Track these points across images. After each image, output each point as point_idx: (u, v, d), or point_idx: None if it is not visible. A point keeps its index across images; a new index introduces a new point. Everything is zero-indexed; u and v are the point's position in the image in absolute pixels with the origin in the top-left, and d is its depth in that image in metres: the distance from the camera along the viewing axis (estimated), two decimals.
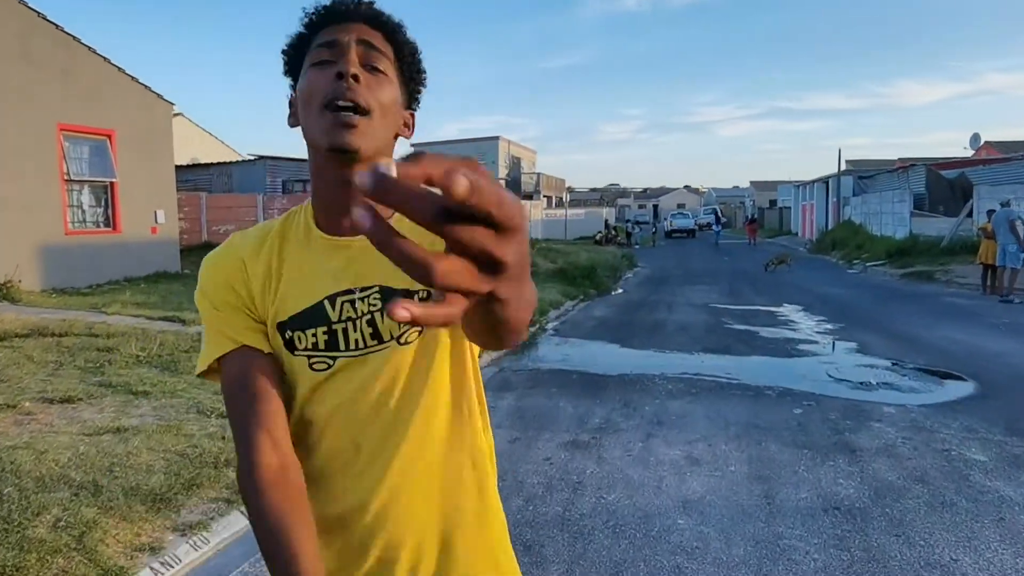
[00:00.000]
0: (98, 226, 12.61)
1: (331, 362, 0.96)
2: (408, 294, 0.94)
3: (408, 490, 0.96)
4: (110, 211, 12.75)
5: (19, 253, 10.88)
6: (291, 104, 1.00)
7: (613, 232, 31.73)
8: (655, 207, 75.50)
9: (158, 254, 13.64)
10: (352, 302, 0.96)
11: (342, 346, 0.96)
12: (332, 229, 0.98)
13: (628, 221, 34.39)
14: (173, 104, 14.08)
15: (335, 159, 0.92)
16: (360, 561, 0.98)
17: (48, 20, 11.30)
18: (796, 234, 38.35)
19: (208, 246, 17.25)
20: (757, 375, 6.75)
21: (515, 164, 35.98)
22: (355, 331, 0.96)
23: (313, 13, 0.96)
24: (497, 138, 36.63)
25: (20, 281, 10.73)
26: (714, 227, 35.58)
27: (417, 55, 1.01)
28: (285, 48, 0.99)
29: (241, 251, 1.01)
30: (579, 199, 57.60)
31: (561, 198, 42.72)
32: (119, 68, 12.70)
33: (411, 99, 1.04)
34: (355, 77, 0.90)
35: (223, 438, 4.41)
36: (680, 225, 40.96)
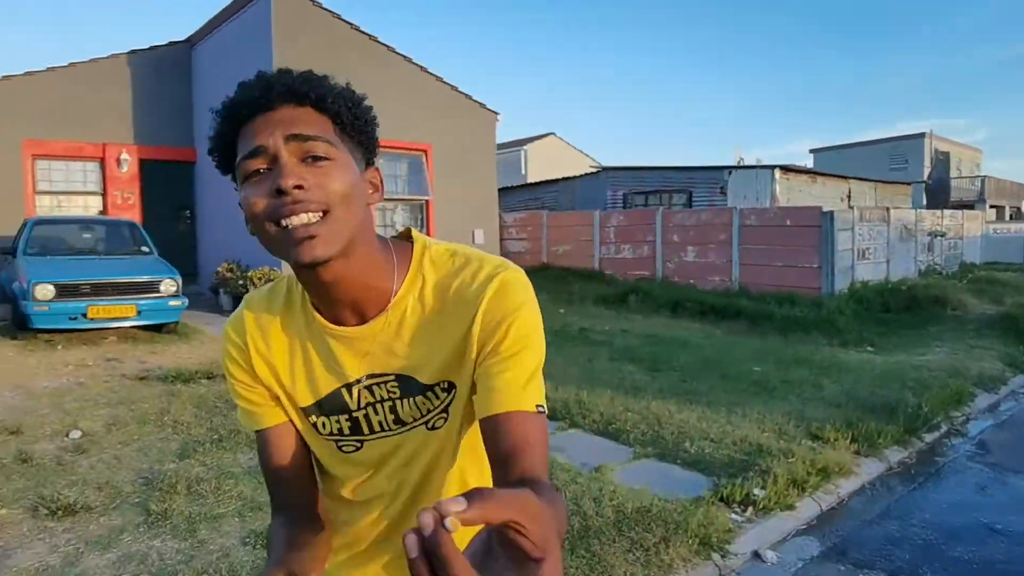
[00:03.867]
0: None
1: (359, 444, 0.98)
2: (427, 387, 0.94)
3: None
4: (424, 231, 11.89)
5: None
6: (242, 208, 0.86)
7: None
8: None
9: None
10: (370, 388, 0.95)
11: (366, 430, 0.97)
12: (332, 319, 0.94)
13: None
14: (498, 114, 12.83)
15: (308, 271, 0.86)
16: None
17: (361, 31, 10.81)
18: None
19: (546, 268, 15.84)
20: None
21: (940, 162, 27.92)
22: (376, 415, 0.96)
23: (227, 111, 0.85)
24: (922, 135, 29.22)
25: None
26: None
27: (358, 107, 0.88)
28: (210, 148, 0.88)
29: (260, 321, 0.98)
30: None
31: (1019, 208, 32.39)
32: (437, 77, 11.81)
33: (368, 154, 0.92)
34: (297, 187, 0.80)
35: None
36: None
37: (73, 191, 12.32)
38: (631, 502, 3.47)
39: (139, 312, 8.00)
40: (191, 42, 12.72)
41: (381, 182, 0.93)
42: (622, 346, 8.11)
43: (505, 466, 0.82)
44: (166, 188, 13.08)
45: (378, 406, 0.95)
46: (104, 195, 12.56)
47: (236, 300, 10.21)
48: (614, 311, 11.35)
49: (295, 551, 0.98)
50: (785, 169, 14.13)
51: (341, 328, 0.93)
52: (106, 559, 2.98)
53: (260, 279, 9.74)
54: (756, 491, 3.69)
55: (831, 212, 11.18)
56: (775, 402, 5.55)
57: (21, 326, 7.68)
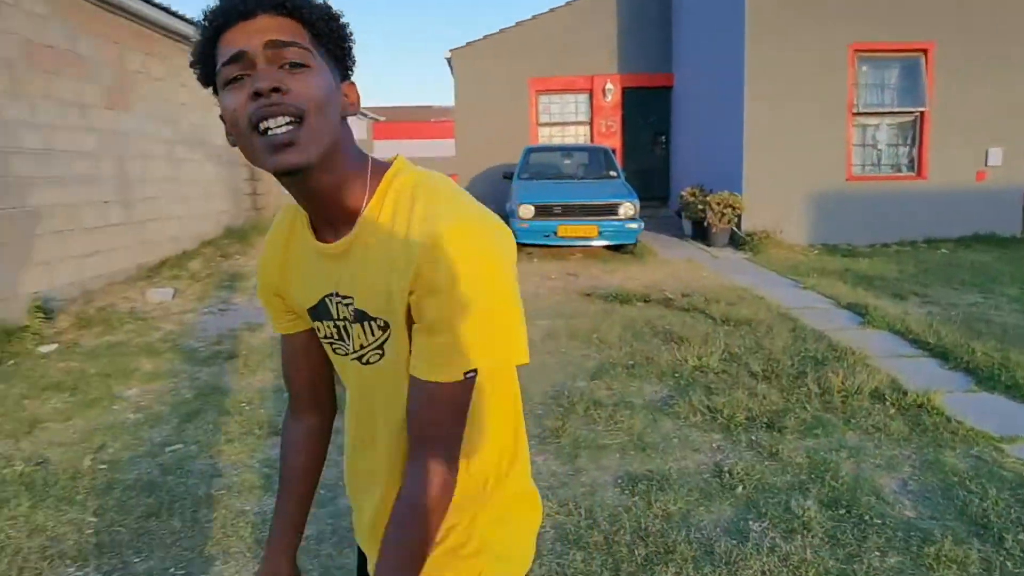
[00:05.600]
0: (897, 170, 10.02)
1: (347, 350, 1.00)
2: (369, 318, 0.93)
3: (363, 470, 1.07)
4: (915, 151, 9.91)
5: (787, 200, 9.64)
6: (223, 120, 0.89)
7: None
8: None
9: (983, 209, 9.90)
10: (341, 304, 0.97)
11: (346, 339, 0.99)
12: (319, 236, 0.97)
13: None
14: None
15: (287, 178, 0.88)
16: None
17: None
18: None
19: None
20: None
21: None
22: (347, 333, 0.99)
23: (208, 20, 0.86)
24: None
25: (781, 232, 9.55)
26: None
27: (336, 21, 0.90)
28: (192, 60, 0.90)
29: (279, 237, 1.05)
30: None
31: None
32: None
33: (345, 69, 0.93)
34: (275, 90, 0.82)
35: None
36: None
37: (566, 121, 13.82)
38: None
39: (600, 232, 8.60)
40: None
41: (357, 95, 0.94)
42: None
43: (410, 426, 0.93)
44: (644, 115, 13.66)
45: (346, 324, 0.97)
46: (591, 124, 13.77)
47: (695, 225, 10.20)
48: None
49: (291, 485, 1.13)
50: None
51: (320, 244, 0.96)
52: None
53: (718, 204, 9.47)
54: None
55: None
56: None
57: None
